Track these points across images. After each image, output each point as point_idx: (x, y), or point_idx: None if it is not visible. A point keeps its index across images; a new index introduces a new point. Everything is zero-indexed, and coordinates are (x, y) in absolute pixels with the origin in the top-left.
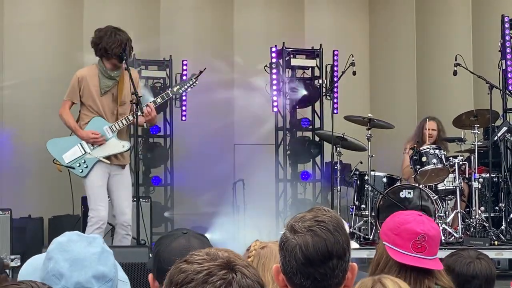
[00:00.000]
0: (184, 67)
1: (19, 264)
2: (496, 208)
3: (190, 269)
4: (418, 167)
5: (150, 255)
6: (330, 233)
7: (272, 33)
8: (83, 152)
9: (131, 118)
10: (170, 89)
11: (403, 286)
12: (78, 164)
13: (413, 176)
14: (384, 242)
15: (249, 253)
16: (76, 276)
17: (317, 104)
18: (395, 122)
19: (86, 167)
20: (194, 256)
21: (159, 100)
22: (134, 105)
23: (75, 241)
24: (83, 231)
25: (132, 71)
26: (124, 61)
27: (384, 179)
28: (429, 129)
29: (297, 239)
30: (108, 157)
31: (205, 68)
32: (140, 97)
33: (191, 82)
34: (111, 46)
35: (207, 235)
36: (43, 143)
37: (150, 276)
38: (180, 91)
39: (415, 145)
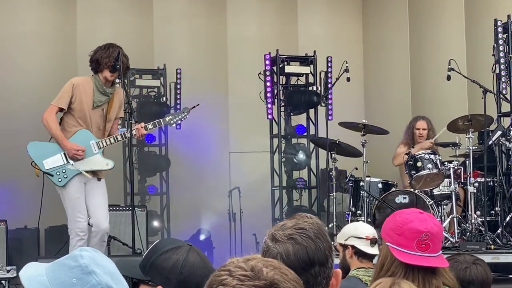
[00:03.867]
0: (178, 76)
1: (15, 275)
2: (492, 212)
3: (230, 284)
4: (413, 172)
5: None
6: (311, 240)
7: (266, 41)
8: (65, 162)
9: (119, 138)
10: (162, 118)
11: None
12: (57, 173)
13: (408, 181)
14: (387, 243)
15: None
16: None
17: (311, 111)
18: (390, 127)
19: (66, 177)
20: (237, 270)
21: (150, 126)
22: (127, 114)
23: (99, 257)
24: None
25: (120, 91)
26: (116, 71)
27: (380, 185)
28: (419, 129)
29: (278, 248)
30: (89, 172)
31: (198, 104)
32: (121, 117)
33: (182, 115)
34: (102, 57)
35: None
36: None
37: None
38: (172, 122)
39: (410, 150)
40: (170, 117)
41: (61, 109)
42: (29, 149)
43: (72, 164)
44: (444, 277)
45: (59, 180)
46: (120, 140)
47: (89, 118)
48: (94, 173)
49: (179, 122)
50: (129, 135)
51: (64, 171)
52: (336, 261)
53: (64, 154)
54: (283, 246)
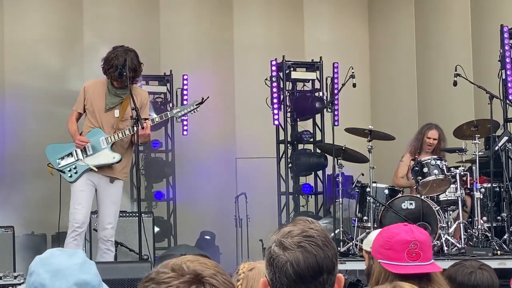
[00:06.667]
0: (185, 82)
1: (22, 281)
2: (499, 218)
3: None
4: (420, 178)
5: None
6: (320, 248)
7: (272, 46)
8: (76, 159)
9: (127, 132)
10: (170, 110)
11: None
12: (68, 169)
13: (414, 187)
14: (379, 260)
15: (238, 276)
16: (58, 285)
17: (318, 117)
18: (396, 133)
19: (76, 173)
20: (161, 275)
21: (157, 119)
22: (133, 120)
23: (56, 255)
24: (89, 246)
25: (141, 92)
26: (122, 81)
27: (386, 191)
28: (430, 138)
29: (288, 256)
30: (97, 166)
31: (208, 97)
32: (146, 119)
33: (191, 108)
34: (109, 70)
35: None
36: (45, 159)
37: None
38: (179, 114)
39: (416, 156)
40: (178, 109)
41: (79, 113)
42: (46, 151)
43: (82, 160)
44: (439, 283)
45: (70, 176)
46: (128, 134)
47: (99, 119)
48: (106, 168)
49: (188, 115)
50: (136, 141)
51: (75, 167)
52: (362, 265)
53: (75, 151)
54: (292, 254)
